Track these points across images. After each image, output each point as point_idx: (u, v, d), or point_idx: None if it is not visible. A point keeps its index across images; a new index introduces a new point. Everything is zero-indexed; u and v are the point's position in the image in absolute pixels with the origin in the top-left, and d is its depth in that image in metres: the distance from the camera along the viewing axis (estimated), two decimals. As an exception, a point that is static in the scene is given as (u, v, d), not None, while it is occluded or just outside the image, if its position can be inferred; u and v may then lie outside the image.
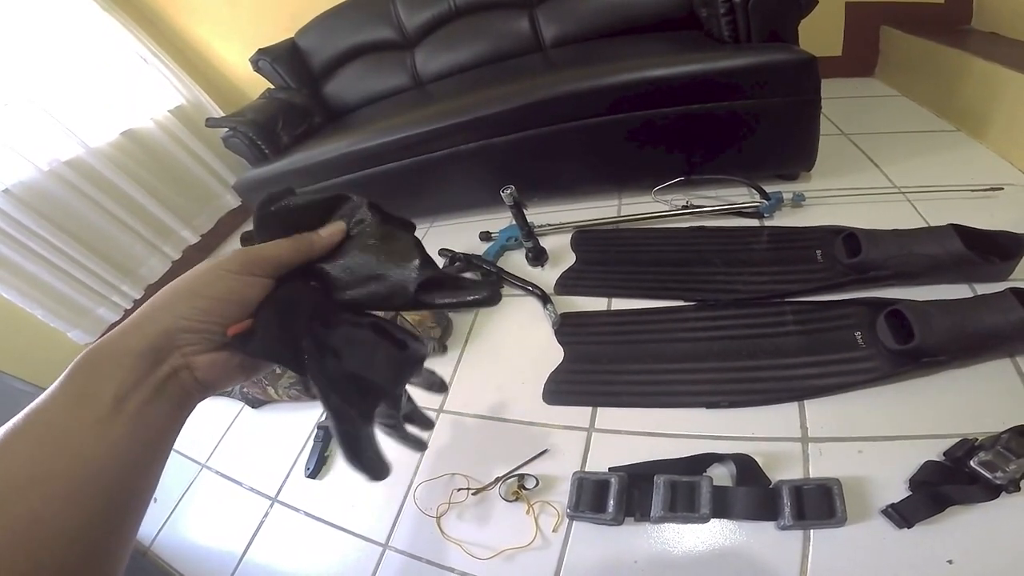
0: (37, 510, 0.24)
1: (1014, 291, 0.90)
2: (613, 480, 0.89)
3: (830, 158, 1.43)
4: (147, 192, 2.29)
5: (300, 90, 2.31)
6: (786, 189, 1.39)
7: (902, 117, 1.68)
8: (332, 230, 0.39)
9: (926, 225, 1.19)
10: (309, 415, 1.37)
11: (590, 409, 1.09)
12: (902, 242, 1.09)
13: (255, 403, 1.47)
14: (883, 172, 1.44)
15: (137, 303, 2.24)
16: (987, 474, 0.74)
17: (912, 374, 0.93)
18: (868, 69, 1.98)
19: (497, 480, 1.00)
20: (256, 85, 2.42)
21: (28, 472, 0.25)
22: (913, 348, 0.90)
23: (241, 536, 1.17)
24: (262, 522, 1.18)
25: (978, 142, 1.46)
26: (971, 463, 0.76)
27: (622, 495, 0.87)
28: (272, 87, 2.34)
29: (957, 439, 0.82)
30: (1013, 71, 1.31)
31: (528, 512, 0.95)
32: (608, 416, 1.07)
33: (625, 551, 0.86)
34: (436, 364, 1.36)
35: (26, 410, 0.27)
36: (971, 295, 1.03)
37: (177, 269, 2.44)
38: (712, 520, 0.84)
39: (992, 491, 0.74)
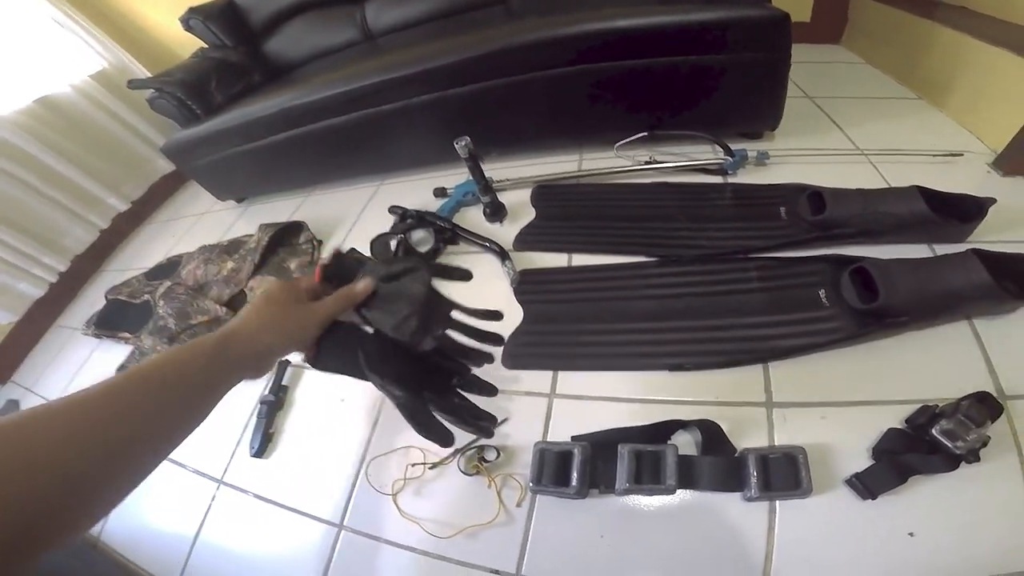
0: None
1: (977, 252, 0.89)
2: (576, 451, 0.85)
3: (794, 119, 1.41)
4: (67, 160, 2.12)
5: (237, 48, 2.14)
6: (750, 147, 1.36)
7: (865, 83, 1.69)
8: (364, 285, 0.59)
9: (888, 186, 1.18)
10: (250, 390, 1.27)
11: (551, 373, 1.05)
12: (867, 201, 1.08)
13: (192, 378, 1.36)
14: (846, 134, 1.43)
15: (63, 276, 2.10)
16: (948, 443, 0.73)
17: (875, 335, 0.92)
18: (835, 37, 1.98)
19: (456, 452, 0.95)
20: (189, 45, 2.23)
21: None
22: (877, 307, 0.89)
23: (191, 521, 1.12)
24: (210, 506, 1.12)
25: (938, 110, 1.48)
26: (932, 431, 0.75)
27: (585, 467, 0.83)
28: (206, 46, 2.17)
29: (918, 405, 0.81)
30: (981, 41, 1.31)
31: (490, 486, 0.91)
32: (570, 381, 1.03)
33: (592, 525, 0.84)
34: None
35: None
36: (930, 255, 1.03)
37: (106, 238, 2.30)
38: (678, 491, 0.80)
39: (952, 461, 0.74)
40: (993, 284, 0.84)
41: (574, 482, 0.82)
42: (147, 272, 1.96)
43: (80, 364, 1.72)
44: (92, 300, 2.02)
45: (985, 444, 0.74)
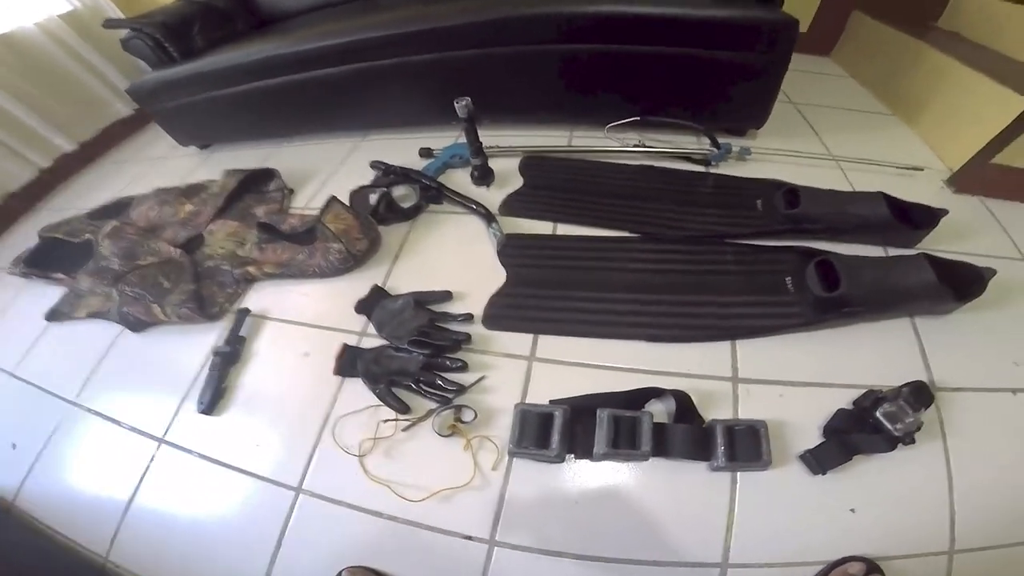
0: None
1: (927, 255, 0.98)
2: (557, 413, 0.86)
3: (776, 121, 1.48)
4: (12, 96, 1.96)
5: (225, -5, 2.01)
6: (734, 142, 1.42)
7: (846, 96, 1.80)
8: None
9: (856, 190, 1.27)
10: (202, 339, 1.19)
11: (531, 337, 1.06)
12: (837, 201, 1.17)
13: (137, 326, 1.26)
14: (822, 141, 1.53)
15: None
16: (888, 425, 0.81)
17: (832, 323, 1.00)
18: (826, 49, 2.06)
19: (430, 413, 0.94)
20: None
21: None
22: (838, 296, 0.96)
23: (125, 485, 1.02)
24: (148, 467, 1.03)
25: (908, 127, 1.59)
26: (876, 414, 0.82)
27: (566, 430, 0.85)
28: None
29: (865, 389, 0.89)
30: (965, 65, 1.39)
31: (466, 448, 0.89)
32: (550, 345, 1.04)
33: (567, 490, 0.85)
34: (358, 277, 1.26)
35: None
36: (883, 256, 1.12)
37: (47, 178, 2.13)
38: (650, 459, 0.84)
39: (891, 443, 0.81)
40: (939, 284, 0.94)
41: (554, 445, 0.83)
42: (90, 212, 1.81)
43: (3, 308, 1.57)
44: (24, 239, 1.83)
45: (919, 428, 0.82)
